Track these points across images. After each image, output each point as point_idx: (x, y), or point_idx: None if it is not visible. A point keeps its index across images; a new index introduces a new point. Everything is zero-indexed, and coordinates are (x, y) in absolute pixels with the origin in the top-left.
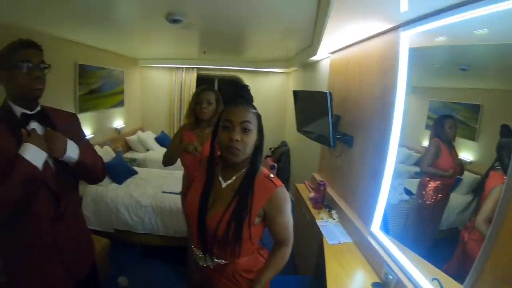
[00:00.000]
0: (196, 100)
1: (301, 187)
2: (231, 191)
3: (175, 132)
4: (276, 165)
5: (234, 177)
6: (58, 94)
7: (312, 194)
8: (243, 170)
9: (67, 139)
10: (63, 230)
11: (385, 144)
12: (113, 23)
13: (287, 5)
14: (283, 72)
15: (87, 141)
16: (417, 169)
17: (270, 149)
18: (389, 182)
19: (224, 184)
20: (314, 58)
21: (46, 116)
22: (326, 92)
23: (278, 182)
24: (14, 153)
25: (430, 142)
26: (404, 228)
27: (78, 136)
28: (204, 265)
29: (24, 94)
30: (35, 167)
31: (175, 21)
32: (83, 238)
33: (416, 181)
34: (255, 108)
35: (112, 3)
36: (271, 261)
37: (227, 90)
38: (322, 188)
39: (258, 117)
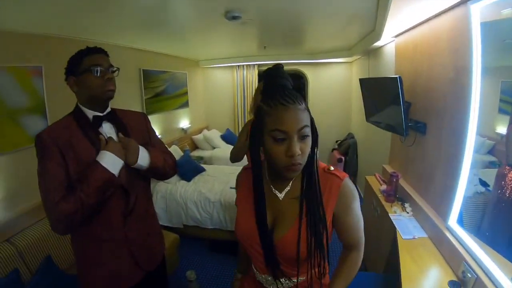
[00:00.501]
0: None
1: (371, 179)
2: (294, 201)
3: (241, 128)
4: (343, 158)
5: (290, 184)
6: (126, 100)
7: (383, 187)
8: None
9: (139, 146)
10: (134, 224)
11: (462, 130)
12: (173, 28)
13: None
14: (345, 62)
15: (158, 139)
16: (492, 158)
17: (336, 141)
18: (467, 171)
19: (281, 196)
20: (378, 43)
21: (117, 117)
22: (396, 77)
23: (341, 173)
24: (89, 155)
25: (509, 129)
26: (480, 223)
27: (148, 134)
28: None
29: (97, 96)
30: (112, 174)
31: (234, 18)
32: (153, 232)
33: (491, 172)
34: (303, 100)
35: (170, 8)
36: (342, 270)
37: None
38: (394, 180)
39: (308, 109)
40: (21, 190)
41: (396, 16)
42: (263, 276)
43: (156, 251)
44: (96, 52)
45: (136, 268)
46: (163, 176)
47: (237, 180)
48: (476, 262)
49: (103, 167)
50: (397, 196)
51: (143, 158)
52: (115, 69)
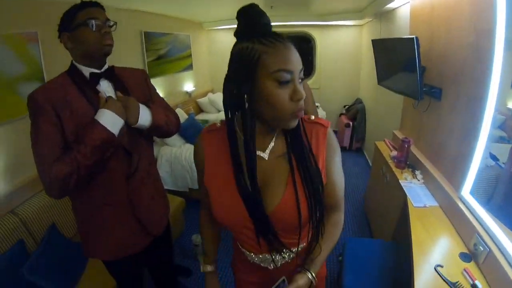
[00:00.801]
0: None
1: (380, 145)
2: (280, 159)
3: None
4: (351, 123)
5: (272, 141)
6: (128, 63)
7: (394, 153)
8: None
9: (140, 104)
10: (137, 187)
11: (481, 99)
12: None
13: None
14: (355, 25)
15: (159, 96)
16: (502, 133)
17: (344, 106)
18: (484, 142)
19: (265, 155)
20: (391, 5)
21: (115, 74)
22: (412, 38)
23: (324, 121)
24: (87, 114)
25: None
26: (491, 196)
27: (148, 92)
28: (278, 264)
29: (94, 52)
30: (112, 134)
31: None
32: (157, 195)
33: (501, 146)
34: None
35: None
36: (327, 233)
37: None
38: (406, 146)
39: None
40: (22, 160)
41: None
42: (260, 256)
43: (162, 214)
44: (91, 6)
45: (142, 233)
46: (166, 134)
47: (197, 151)
48: (489, 235)
49: (102, 125)
50: (408, 163)
51: (145, 117)
52: (112, 23)
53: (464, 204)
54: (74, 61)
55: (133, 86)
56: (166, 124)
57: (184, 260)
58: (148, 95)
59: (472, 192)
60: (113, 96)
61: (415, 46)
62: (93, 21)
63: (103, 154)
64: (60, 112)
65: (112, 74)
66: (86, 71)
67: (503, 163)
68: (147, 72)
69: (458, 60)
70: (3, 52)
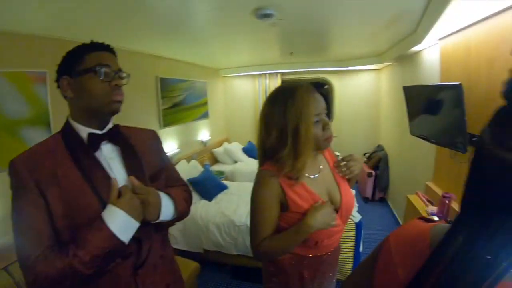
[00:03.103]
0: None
1: (414, 198)
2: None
3: (257, 195)
4: (373, 172)
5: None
6: (141, 110)
7: (432, 208)
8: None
9: (161, 195)
10: (148, 278)
11: None
12: (194, 31)
13: None
14: (374, 69)
15: (171, 163)
16: None
17: (365, 154)
18: None
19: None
20: (416, 48)
21: (122, 135)
22: (457, 85)
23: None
24: (80, 193)
25: None
26: None
27: (160, 158)
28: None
29: (99, 107)
30: (121, 242)
31: (265, 16)
32: (172, 282)
33: None
34: None
35: (192, 7)
36: None
37: None
38: (447, 202)
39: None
40: None
41: (449, 14)
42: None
43: None
44: (103, 49)
45: None
46: (181, 220)
47: (263, 190)
48: None
49: (111, 231)
50: (448, 220)
51: (167, 212)
52: (124, 74)
53: None
54: (70, 117)
55: (145, 152)
56: (186, 213)
57: None
58: (161, 163)
59: None
60: (118, 163)
61: (459, 93)
62: (104, 69)
63: (107, 264)
64: (46, 190)
65: (117, 136)
66: (84, 131)
67: None
68: (163, 124)
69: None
70: (6, 91)
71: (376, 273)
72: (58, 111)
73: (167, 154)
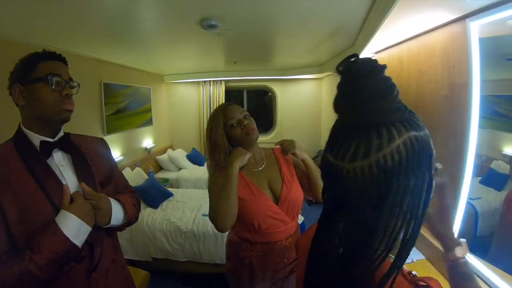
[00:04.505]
0: (229, 119)
1: None
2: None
3: (210, 183)
4: None
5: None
6: (84, 116)
7: None
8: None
9: (112, 201)
10: (101, 281)
11: (460, 150)
12: (139, 36)
13: (336, 5)
14: (315, 78)
15: (120, 171)
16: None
17: None
18: (466, 196)
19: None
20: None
21: (72, 143)
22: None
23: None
24: (34, 198)
25: None
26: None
27: (110, 166)
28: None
29: (50, 116)
30: (75, 246)
31: (210, 26)
32: (124, 285)
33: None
34: None
35: (139, 12)
36: None
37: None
38: None
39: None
40: None
41: (384, 31)
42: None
43: None
44: (55, 59)
45: None
46: (129, 225)
47: (213, 178)
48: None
49: (64, 235)
50: None
51: (117, 216)
52: (75, 84)
53: None
54: (22, 125)
55: (95, 159)
56: (135, 218)
57: None
58: (110, 171)
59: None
60: (69, 170)
61: None
62: (55, 78)
63: (62, 268)
64: (1, 195)
65: (68, 144)
66: (37, 139)
67: (469, 198)
68: (106, 131)
69: (431, 114)
70: None
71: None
72: (5, 119)
73: (116, 163)
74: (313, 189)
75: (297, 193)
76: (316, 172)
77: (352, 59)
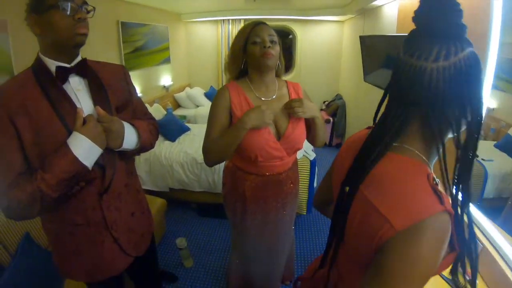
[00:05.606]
0: (254, 36)
1: None
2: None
3: (212, 103)
4: (331, 119)
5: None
6: (103, 54)
7: None
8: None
9: (125, 125)
10: (113, 204)
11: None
12: None
13: None
14: (337, 21)
15: (139, 98)
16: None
17: (324, 102)
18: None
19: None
20: (376, 2)
21: (90, 69)
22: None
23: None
24: (49, 122)
25: None
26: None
27: (128, 92)
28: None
29: (64, 41)
30: (84, 167)
31: None
32: (139, 211)
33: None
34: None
35: None
36: None
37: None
38: None
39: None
40: None
41: None
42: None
43: (144, 233)
44: None
45: (121, 255)
46: (147, 150)
47: (216, 100)
48: (481, 231)
49: (74, 156)
50: None
51: (130, 141)
52: (90, 7)
53: None
54: (40, 53)
55: (112, 85)
56: (151, 145)
57: (168, 265)
58: (128, 96)
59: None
60: (85, 94)
61: None
62: (67, 3)
63: (71, 188)
64: (16, 120)
65: (85, 69)
66: (53, 65)
67: (482, 159)
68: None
69: None
70: None
71: (333, 170)
72: (22, 59)
73: (136, 89)
74: (313, 140)
75: (301, 133)
76: (320, 128)
77: None
